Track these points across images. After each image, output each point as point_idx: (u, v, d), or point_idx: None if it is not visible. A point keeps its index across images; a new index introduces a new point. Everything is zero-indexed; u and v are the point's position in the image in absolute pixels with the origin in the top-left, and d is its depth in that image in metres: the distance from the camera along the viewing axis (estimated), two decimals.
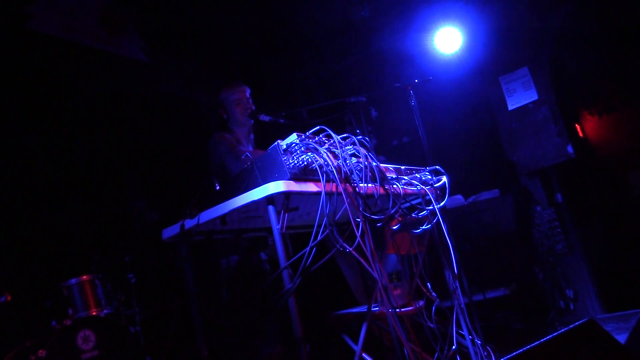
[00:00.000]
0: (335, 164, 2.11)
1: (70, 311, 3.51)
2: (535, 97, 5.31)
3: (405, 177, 2.69)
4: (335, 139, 2.22)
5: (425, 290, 2.91)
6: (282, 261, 2.00)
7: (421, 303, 2.91)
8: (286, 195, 2.02)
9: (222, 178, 3.12)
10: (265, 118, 3.23)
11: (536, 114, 5.30)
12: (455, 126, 5.70)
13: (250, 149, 3.38)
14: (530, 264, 4.98)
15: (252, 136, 3.50)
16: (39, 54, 4.26)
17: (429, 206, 2.67)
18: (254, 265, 3.11)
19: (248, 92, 3.44)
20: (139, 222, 4.11)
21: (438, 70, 5.30)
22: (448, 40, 4.89)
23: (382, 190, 2.32)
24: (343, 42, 6.18)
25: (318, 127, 2.24)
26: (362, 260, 2.08)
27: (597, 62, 5.48)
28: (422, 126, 3.42)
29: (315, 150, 2.10)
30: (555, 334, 1.92)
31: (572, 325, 2.01)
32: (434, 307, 2.88)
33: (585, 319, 2.08)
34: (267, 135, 2.88)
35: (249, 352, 3.02)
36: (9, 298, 3.32)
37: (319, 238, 2.03)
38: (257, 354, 3.00)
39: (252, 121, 3.36)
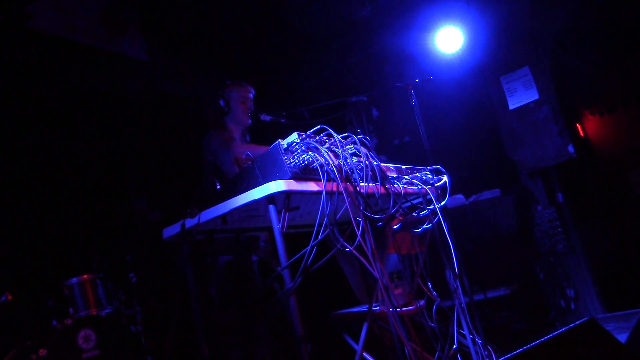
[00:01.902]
0: (336, 163, 2.10)
1: (71, 310, 3.51)
2: (536, 96, 5.30)
3: (406, 177, 2.69)
4: (336, 138, 2.22)
5: (426, 289, 2.91)
6: (283, 260, 2.00)
7: (422, 302, 2.91)
8: (287, 194, 2.02)
9: (217, 176, 3.11)
10: (266, 118, 3.23)
11: (537, 114, 5.30)
12: (456, 125, 5.69)
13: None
14: (531, 264, 4.98)
15: (247, 137, 3.50)
16: (39, 53, 4.26)
17: (430, 205, 2.67)
18: (243, 266, 3.09)
19: (252, 94, 3.46)
20: (140, 221, 4.11)
21: (439, 70, 5.30)
22: (449, 39, 4.89)
23: (382, 190, 2.32)
24: (344, 42, 6.18)
25: (319, 127, 2.24)
26: (362, 259, 2.08)
27: (598, 62, 5.48)
28: (423, 125, 3.42)
29: (316, 150, 2.10)
30: (556, 333, 1.92)
31: (573, 324, 2.01)
32: (434, 307, 2.88)
33: (585, 318, 2.08)
34: (267, 135, 2.88)
35: (241, 352, 3.01)
36: (10, 297, 3.32)
37: (319, 237, 2.03)
38: (248, 355, 2.99)
39: (250, 122, 3.38)
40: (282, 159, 2.01)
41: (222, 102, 3.36)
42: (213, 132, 3.27)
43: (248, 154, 3.27)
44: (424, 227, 2.71)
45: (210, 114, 3.40)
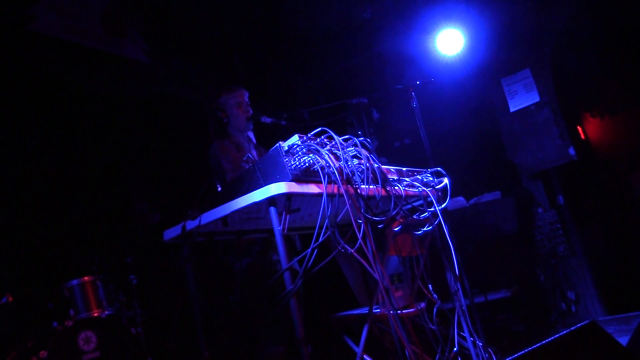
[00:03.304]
0: (337, 165, 2.11)
1: (72, 312, 3.51)
2: (537, 98, 5.30)
3: (407, 179, 2.69)
4: (337, 140, 2.22)
5: (426, 291, 2.91)
6: (284, 263, 2.00)
7: (422, 305, 2.90)
8: (288, 196, 2.02)
9: (223, 182, 3.13)
10: (267, 120, 3.23)
11: (538, 116, 5.29)
12: (457, 128, 5.69)
13: (254, 152, 3.38)
14: (532, 266, 4.98)
15: (252, 138, 3.51)
16: (41, 55, 4.27)
17: (431, 208, 2.67)
18: (265, 267, 3.11)
19: (247, 96, 3.45)
20: (141, 223, 4.10)
21: (440, 72, 5.30)
22: (450, 41, 4.88)
23: (383, 192, 2.32)
24: (345, 44, 6.18)
25: (320, 129, 2.25)
26: (363, 261, 2.08)
27: (600, 64, 5.48)
28: (424, 128, 3.42)
29: (317, 152, 2.10)
30: (557, 336, 1.92)
31: (574, 327, 2.01)
32: (435, 309, 2.88)
33: (586, 321, 2.08)
34: (268, 137, 2.88)
35: (252, 352, 3.02)
36: (11, 299, 3.32)
37: (320, 239, 2.03)
38: (260, 354, 3.00)
39: (252, 125, 3.38)
40: (283, 161, 2.02)
41: (219, 114, 3.36)
42: (218, 143, 3.28)
43: (249, 156, 3.29)
44: (425, 229, 2.71)
45: (210, 126, 3.41)
